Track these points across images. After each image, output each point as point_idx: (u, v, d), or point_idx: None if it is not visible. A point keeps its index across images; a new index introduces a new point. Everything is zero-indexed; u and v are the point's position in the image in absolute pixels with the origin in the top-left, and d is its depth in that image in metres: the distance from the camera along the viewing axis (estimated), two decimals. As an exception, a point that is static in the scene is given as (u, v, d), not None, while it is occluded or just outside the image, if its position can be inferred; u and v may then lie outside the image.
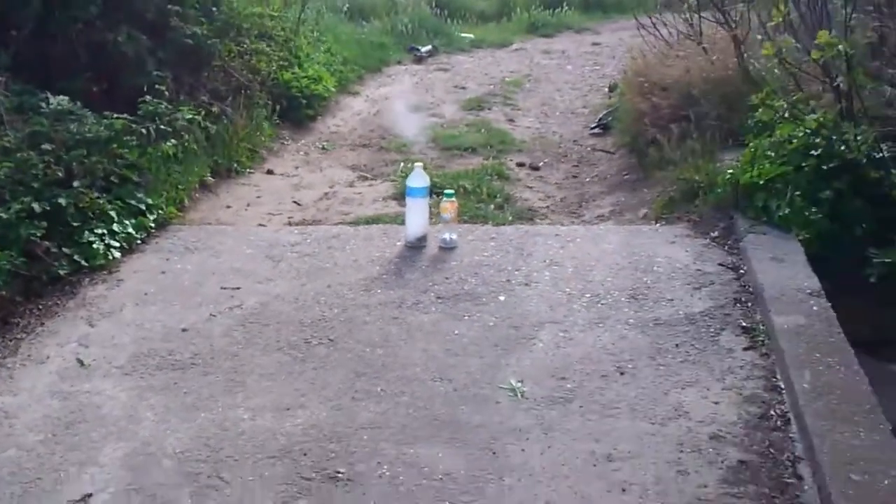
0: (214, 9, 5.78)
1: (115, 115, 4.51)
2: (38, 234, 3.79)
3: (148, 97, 4.88)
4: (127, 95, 5.07)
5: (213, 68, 5.75)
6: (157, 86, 4.99)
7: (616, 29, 10.91)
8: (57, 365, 3.34)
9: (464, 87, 8.02)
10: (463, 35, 10.33)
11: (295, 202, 5.24)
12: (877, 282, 3.80)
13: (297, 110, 6.74)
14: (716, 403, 2.98)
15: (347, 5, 10.05)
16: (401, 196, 5.20)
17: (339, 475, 2.68)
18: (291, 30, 7.13)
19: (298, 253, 4.24)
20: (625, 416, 2.93)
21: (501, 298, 3.74)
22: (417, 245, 4.20)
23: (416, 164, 4.35)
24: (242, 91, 5.85)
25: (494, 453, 2.76)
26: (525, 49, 10.03)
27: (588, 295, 3.73)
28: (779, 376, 3.11)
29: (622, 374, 3.16)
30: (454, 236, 4.22)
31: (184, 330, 3.56)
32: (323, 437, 2.86)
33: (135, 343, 3.47)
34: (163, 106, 4.82)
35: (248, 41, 6.13)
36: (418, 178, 4.19)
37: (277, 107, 6.35)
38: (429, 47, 9.52)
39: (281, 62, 6.66)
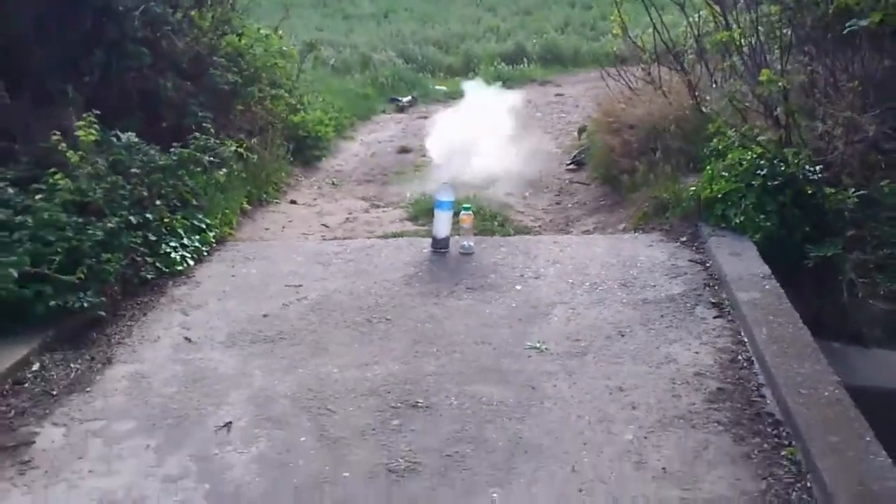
0: (239, 58, 6.72)
1: (180, 146, 5.42)
2: (138, 242, 4.67)
3: (197, 133, 5.78)
4: (173, 132, 5.94)
5: (241, 110, 6.68)
6: (203, 124, 5.90)
7: (576, 82, 12.08)
8: (169, 342, 4.21)
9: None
10: (437, 87, 11.42)
11: (323, 225, 6.17)
12: (812, 268, 4.85)
13: (306, 150, 7.70)
14: (696, 353, 3.97)
15: (333, 60, 11.10)
16: (414, 218, 6.19)
17: (419, 404, 3.60)
18: (294, 80, 8.10)
19: (343, 259, 5.17)
20: (628, 362, 3.90)
21: (518, 288, 4.71)
22: (443, 246, 5.16)
23: (445, 184, 5.34)
24: (267, 130, 6.80)
25: (533, 388, 3.71)
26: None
27: (587, 284, 4.72)
28: (742, 334, 4.11)
29: (622, 335, 4.14)
30: (471, 243, 5.20)
31: (265, 315, 4.46)
32: (399, 381, 3.77)
33: (227, 325, 4.36)
34: (211, 141, 5.73)
35: (267, 88, 7.09)
36: (446, 193, 5.19)
37: (290, 146, 7.31)
38: (409, 98, 10.58)
39: (290, 108, 7.63)
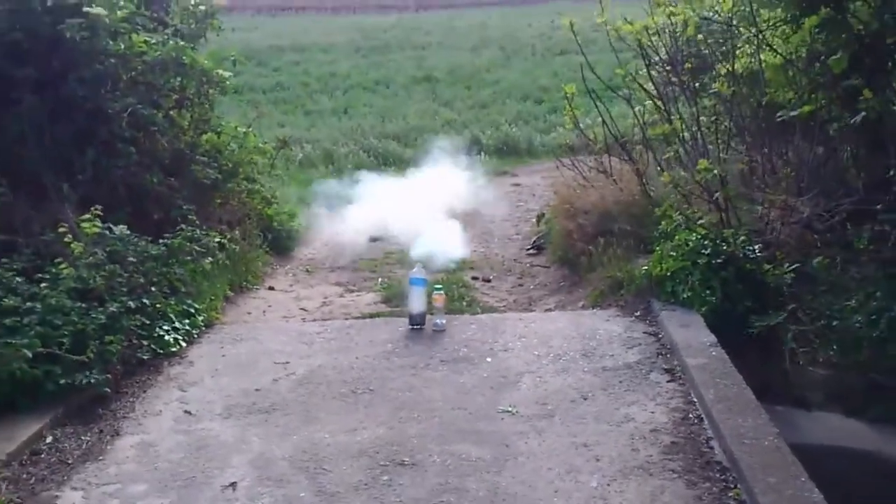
0: (218, 154, 7.28)
1: (170, 237, 5.91)
2: (137, 325, 5.11)
3: (183, 225, 6.27)
4: (158, 225, 6.42)
5: (220, 203, 7.20)
6: (188, 216, 6.40)
7: (531, 172, 12.81)
8: (170, 415, 4.63)
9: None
10: (400, 180, 12.06)
11: (301, 308, 6.65)
12: (756, 337, 5.42)
13: (279, 241, 8.22)
14: (652, 413, 4.48)
15: (300, 155, 11.74)
16: (388, 300, 6.70)
17: (405, 461, 4.05)
18: (267, 174, 8.66)
19: (324, 338, 5.65)
20: (591, 422, 4.40)
21: (489, 360, 5.22)
22: (418, 322, 5.67)
23: (418, 263, 5.90)
24: (244, 221, 7.32)
25: (507, 446, 4.18)
26: (454, 190, 11.81)
27: (551, 355, 5.24)
28: (692, 395, 4.64)
29: (585, 399, 4.65)
30: (444, 321, 5.71)
31: (257, 390, 4.90)
32: (386, 443, 4.23)
33: (223, 399, 4.79)
34: (197, 232, 6.22)
35: (244, 182, 7.63)
36: (420, 272, 5.76)
37: (267, 236, 7.83)
38: (372, 189, 11.18)
39: (265, 200, 8.18)
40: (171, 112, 6.84)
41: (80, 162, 6.25)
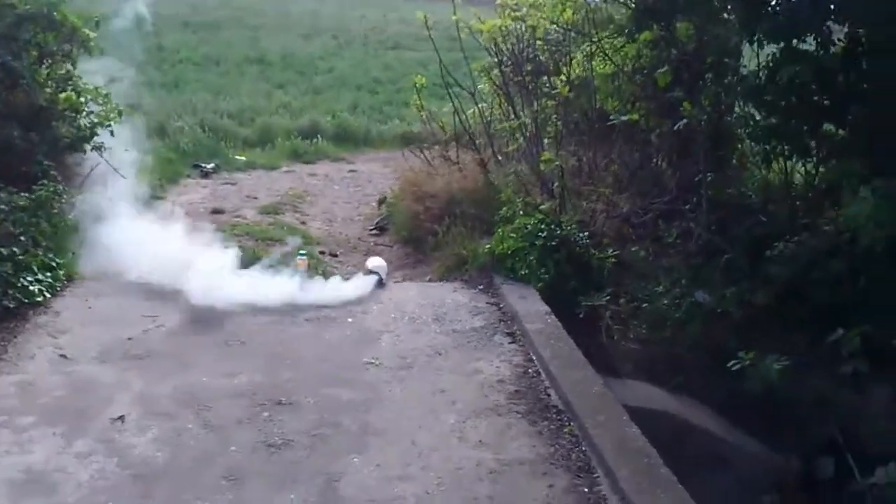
0: (76, 114, 7.42)
1: (39, 189, 6.09)
2: (9, 272, 5.31)
3: (45, 180, 6.44)
4: (22, 178, 6.53)
5: (79, 164, 7.37)
6: (50, 171, 6.57)
7: (367, 160, 13.37)
8: (45, 358, 4.91)
9: (255, 198, 9.98)
10: (237, 157, 12.33)
11: (159, 270, 6.94)
12: (582, 314, 6.27)
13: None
14: (498, 367, 5.20)
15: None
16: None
17: (283, 401, 4.57)
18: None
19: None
20: (446, 373, 5.07)
21: (350, 320, 5.79)
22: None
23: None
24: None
25: (374, 391, 4.78)
26: (294, 171, 12.19)
27: (406, 318, 5.88)
28: (531, 354, 5.39)
29: (439, 354, 5.32)
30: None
31: (129, 339, 5.24)
32: (263, 386, 4.72)
33: (96, 346, 5.10)
34: (60, 187, 6.42)
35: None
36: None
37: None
38: (212, 165, 11.42)
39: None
40: (33, 67, 6.95)
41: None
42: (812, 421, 5.58)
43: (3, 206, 5.63)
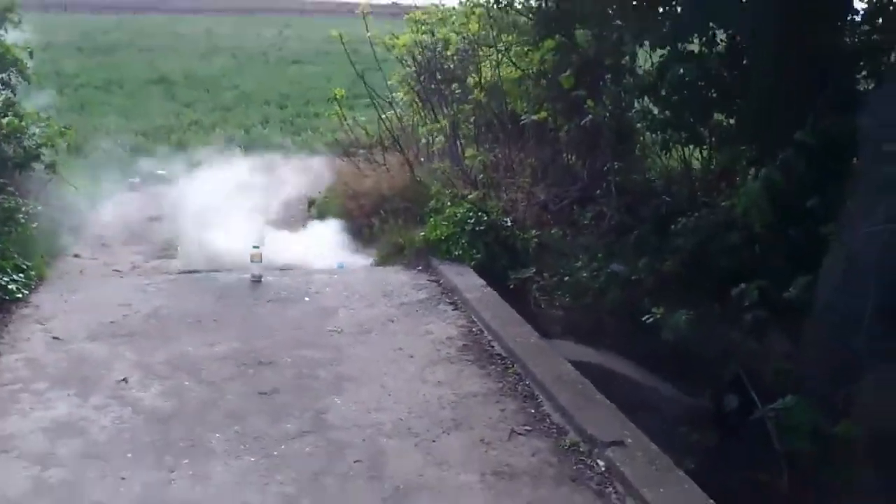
0: (20, 136, 8.05)
1: (6, 200, 6.72)
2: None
3: (3, 195, 7.07)
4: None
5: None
6: (6, 187, 7.20)
7: (288, 169, 14.11)
8: (40, 340, 5.59)
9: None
10: (159, 172, 12.95)
11: (115, 270, 7.63)
12: (512, 288, 7.20)
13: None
14: (445, 329, 6.08)
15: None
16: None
17: (263, 362, 5.36)
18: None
19: (156, 288, 6.74)
20: (401, 335, 5.93)
21: (307, 299, 6.61)
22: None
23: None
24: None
25: (340, 351, 5.60)
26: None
27: (357, 296, 6.72)
28: (474, 317, 6.29)
29: (392, 322, 6.18)
30: (260, 272, 7.00)
31: (112, 322, 5.94)
32: (243, 352, 5.50)
33: (83, 329, 5.79)
34: (20, 200, 7.06)
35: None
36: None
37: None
38: (137, 179, 12.05)
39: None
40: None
41: None
42: (719, 365, 6.60)
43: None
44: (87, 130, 14.99)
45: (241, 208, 10.68)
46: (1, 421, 4.49)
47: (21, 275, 6.52)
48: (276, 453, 4.29)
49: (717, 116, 7.14)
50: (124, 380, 5.03)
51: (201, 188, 12.04)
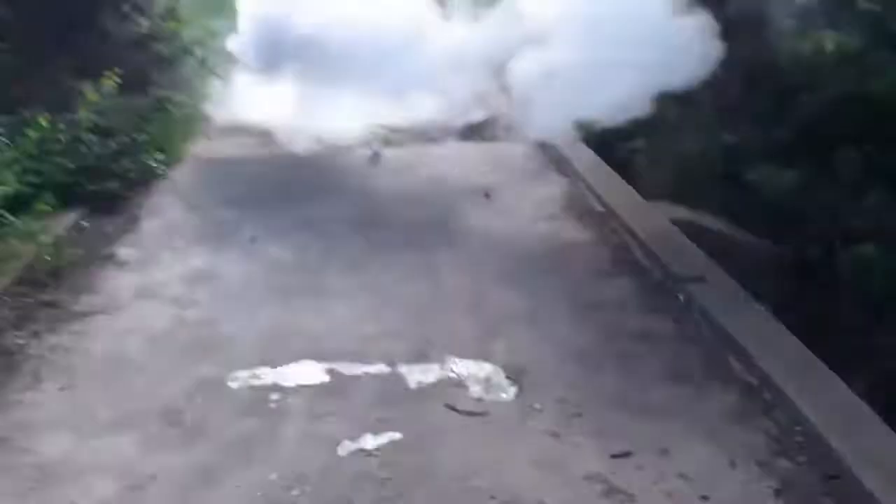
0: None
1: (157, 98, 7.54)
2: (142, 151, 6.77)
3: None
4: (132, 86, 7.88)
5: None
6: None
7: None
8: (178, 208, 6.38)
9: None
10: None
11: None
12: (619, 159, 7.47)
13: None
14: (553, 189, 6.50)
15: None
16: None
17: (378, 222, 5.91)
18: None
19: (285, 168, 7.39)
20: (516, 196, 6.39)
21: (422, 169, 7.14)
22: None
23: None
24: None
25: (451, 210, 6.09)
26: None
27: (470, 166, 7.20)
28: (580, 183, 6.64)
29: (508, 184, 6.64)
30: (380, 150, 7.59)
31: (242, 192, 6.61)
32: (361, 212, 6.07)
33: (216, 199, 6.53)
34: (167, 92, 7.84)
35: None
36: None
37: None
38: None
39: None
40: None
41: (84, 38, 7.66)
42: (812, 221, 6.75)
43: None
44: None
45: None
46: (146, 273, 5.20)
47: (162, 157, 7.28)
48: (389, 295, 4.82)
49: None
50: (252, 238, 5.66)
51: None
